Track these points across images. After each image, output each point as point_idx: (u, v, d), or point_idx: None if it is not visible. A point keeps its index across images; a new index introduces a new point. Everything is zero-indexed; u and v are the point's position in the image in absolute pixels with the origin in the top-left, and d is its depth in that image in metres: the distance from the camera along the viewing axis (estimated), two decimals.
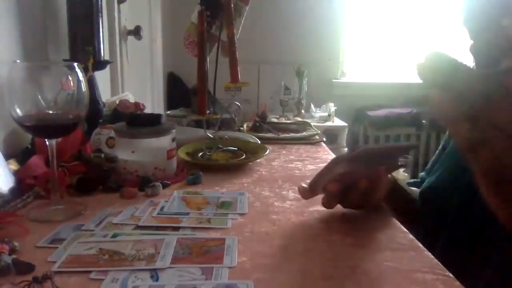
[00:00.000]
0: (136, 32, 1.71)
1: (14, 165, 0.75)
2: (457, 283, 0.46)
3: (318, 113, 2.90)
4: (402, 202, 0.77)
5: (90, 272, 0.46)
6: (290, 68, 2.92)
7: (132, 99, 1.23)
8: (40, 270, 0.45)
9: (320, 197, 0.73)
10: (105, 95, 1.24)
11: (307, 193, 0.64)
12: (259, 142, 1.09)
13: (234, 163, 0.92)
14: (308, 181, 0.66)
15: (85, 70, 0.74)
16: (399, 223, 0.62)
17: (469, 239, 0.66)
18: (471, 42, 0.60)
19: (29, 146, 0.83)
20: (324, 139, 1.24)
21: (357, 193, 0.61)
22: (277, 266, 0.49)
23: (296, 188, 0.78)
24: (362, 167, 0.62)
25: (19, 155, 0.80)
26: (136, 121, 0.81)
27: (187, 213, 0.63)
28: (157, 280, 0.45)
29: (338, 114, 2.88)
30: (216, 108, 1.09)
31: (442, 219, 0.71)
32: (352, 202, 0.64)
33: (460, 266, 0.51)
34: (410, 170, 2.85)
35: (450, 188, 0.71)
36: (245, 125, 1.32)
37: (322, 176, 0.63)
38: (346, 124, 2.85)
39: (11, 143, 0.85)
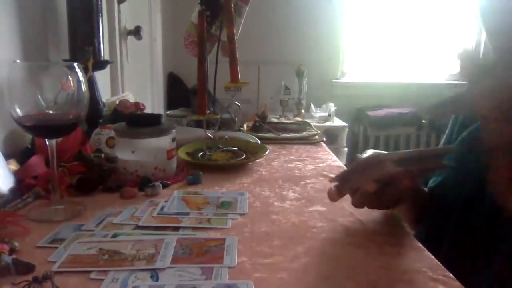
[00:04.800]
0: (136, 32, 1.71)
1: (14, 165, 0.75)
2: (457, 283, 0.46)
3: (318, 113, 2.90)
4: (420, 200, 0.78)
5: (90, 272, 0.46)
6: (290, 68, 2.92)
7: (132, 99, 1.23)
8: (40, 270, 0.45)
9: (318, 197, 0.73)
10: (105, 95, 1.24)
11: (336, 196, 0.63)
12: (259, 142, 1.09)
13: (234, 163, 0.92)
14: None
15: (85, 70, 0.74)
16: (399, 223, 0.62)
17: (478, 233, 0.66)
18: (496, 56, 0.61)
19: (29, 146, 0.83)
20: (324, 139, 1.24)
21: (395, 192, 0.61)
22: (277, 266, 0.49)
23: (297, 188, 0.78)
24: (406, 169, 0.61)
25: (19, 155, 0.80)
26: (136, 121, 0.81)
27: (187, 213, 0.63)
28: (157, 280, 0.45)
29: (338, 114, 2.88)
30: (216, 108, 1.09)
31: (450, 214, 0.71)
32: (386, 202, 0.62)
33: (467, 259, 0.51)
34: None
35: (458, 185, 0.71)
36: (245, 125, 1.32)
37: (354, 176, 0.62)
38: (346, 124, 2.85)
39: (11, 143, 0.85)
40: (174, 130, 0.82)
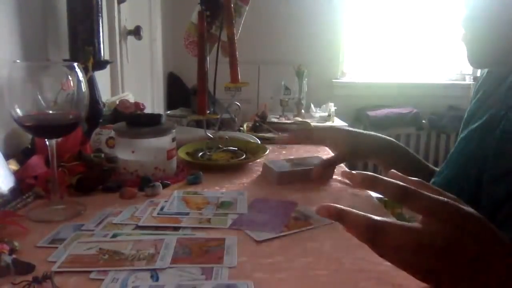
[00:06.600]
0: (136, 32, 1.71)
1: (14, 165, 0.75)
2: None
3: (318, 113, 2.90)
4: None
5: (90, 272, 0.46)
6: (290, 68, 2.91)
7: (132, 99, 1.23)
8: (40, 270, 0.45)
9: (318, 197, 0.74)
10: (105, 95, 1.24)
11: None
12: (259, 142, 1.09)
13: (234, 163, 0.92)
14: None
15: (85, 70, 0.74)
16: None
17: None
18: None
19: (29, 146, 0.83)
20: None
21: None
22: (277, 266, 0.49)
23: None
24: None
25: (19, 155, 0.80)
26: (136, 121, 0.81)
27: (187, 213, 0.63)
28: (157, 280, 0.45)
29: (338, 114, 2.88)
30: (216, 108, 1.09)
31: None
32: None
33: None
34: None
35: (457, 186, 0.71)
36: (245, 125, 1.32)
37: None
38: (346, 124, 2.84)
39: (11, 143, 0.85)
40: (174, 130, 0.82)
